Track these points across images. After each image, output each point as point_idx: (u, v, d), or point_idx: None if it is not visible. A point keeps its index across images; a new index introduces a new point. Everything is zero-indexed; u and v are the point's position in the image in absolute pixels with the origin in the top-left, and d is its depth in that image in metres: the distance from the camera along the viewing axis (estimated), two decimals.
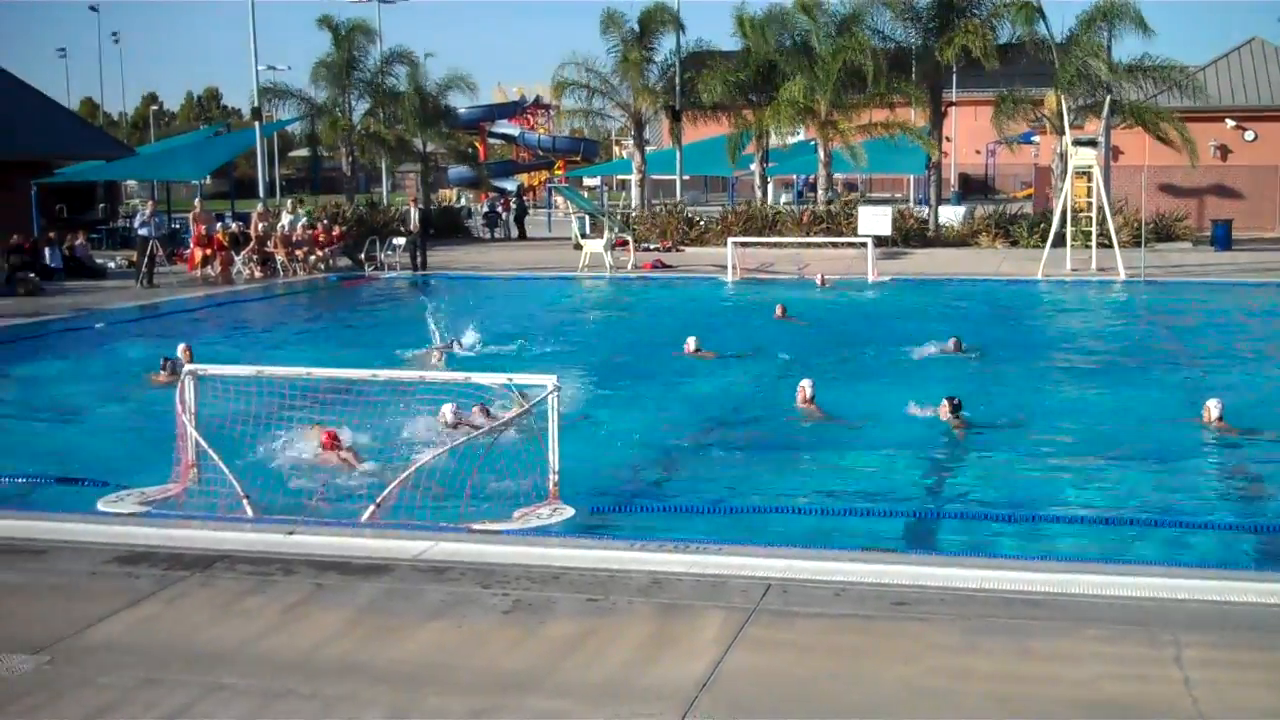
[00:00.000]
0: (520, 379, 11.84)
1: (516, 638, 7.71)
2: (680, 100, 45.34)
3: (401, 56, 48.19)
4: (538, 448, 11.03)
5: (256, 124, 41.87)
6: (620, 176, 62.68)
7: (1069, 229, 33.06)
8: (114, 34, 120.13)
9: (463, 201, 65.16)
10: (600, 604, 8.25)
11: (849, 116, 41.76)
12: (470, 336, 21.41)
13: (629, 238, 37.84)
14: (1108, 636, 7.53)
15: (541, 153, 79.30)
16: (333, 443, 13.00)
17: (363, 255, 36.32)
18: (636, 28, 45.27)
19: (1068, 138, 33.77)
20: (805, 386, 16.00)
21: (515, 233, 49.60)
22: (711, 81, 42.90)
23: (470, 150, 63.94)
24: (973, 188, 75.62)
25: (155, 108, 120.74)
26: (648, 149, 48.56)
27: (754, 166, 46.73)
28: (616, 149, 77.38)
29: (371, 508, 10.66)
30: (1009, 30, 40.39)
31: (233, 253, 33.51)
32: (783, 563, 9.00)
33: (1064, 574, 8.70)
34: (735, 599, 8.26)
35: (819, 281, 30.51)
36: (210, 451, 11.26)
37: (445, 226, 48.06)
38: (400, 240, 36.69)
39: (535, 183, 78.82)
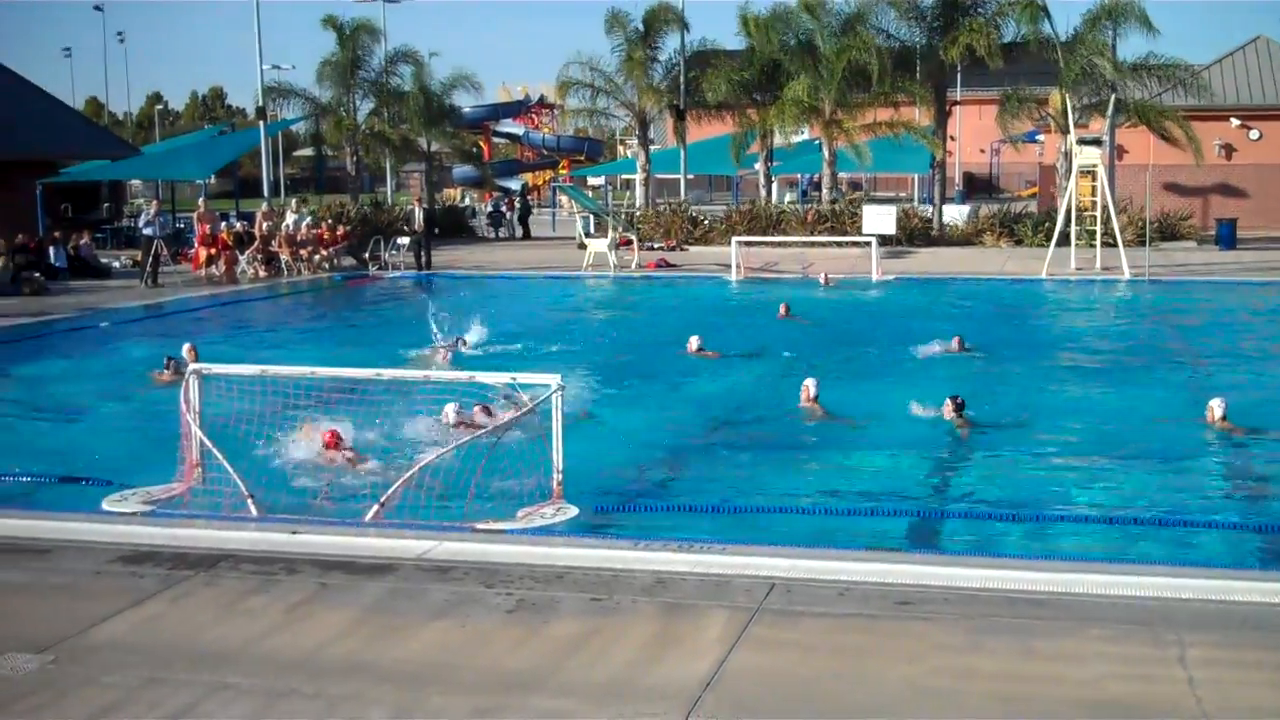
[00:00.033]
0: (524, 378, 11.84)
1: (520, 637, 7.72)
2: (685, 99, 45.33)
3: (406, 56, 48.18)
4: (542, 447, 11.03)
5: (261, 123, 41.90)
6: (624, 176, 62.66)
7: (1073, 228, 33.00)
8: (119, 33, 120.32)
9: (467, 201, 65.18)
10: (604, 603, 8.25)
11: (853, 115, 41.77)
12: (475, 336, 21.42)
13: (633, 237, 37.84)
14: (1111, 636, 7.53)
15: (546, 152, 79.27)
16: (334, 442, 13.00)
17: (367, 255, 36.35)
18: (641, 27, 45.25)
19: (1072, 136, 33.71)
20: (809, 385, 16.00)
21: (519, 232, 49.62)
22: (716, 80, 42.89)
23: (475, 150, 63.96)
24: (977, 187, 75.63)
25: (160, 107, 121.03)
26: (652, 148, 48.50)
27: (758, 166, 46.75)
28: (621, 148, 77.49)
29: (375, 507, 10.67)
30: (1013, 29, 40.38)
31: (237, 252, 33.52)
32: (786, 562, 9.00)
33: (1068, 573, 8.69)
34: (739, 598, 8.26)
35: (822, 280, 30.52)
36: (215, 451, 11.27)
37: (449, 226, 48.07)
38: (404, 240, 36.70)
39: (540, 182, 78.78)
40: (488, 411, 13.99)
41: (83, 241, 35.51)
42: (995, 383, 18.27)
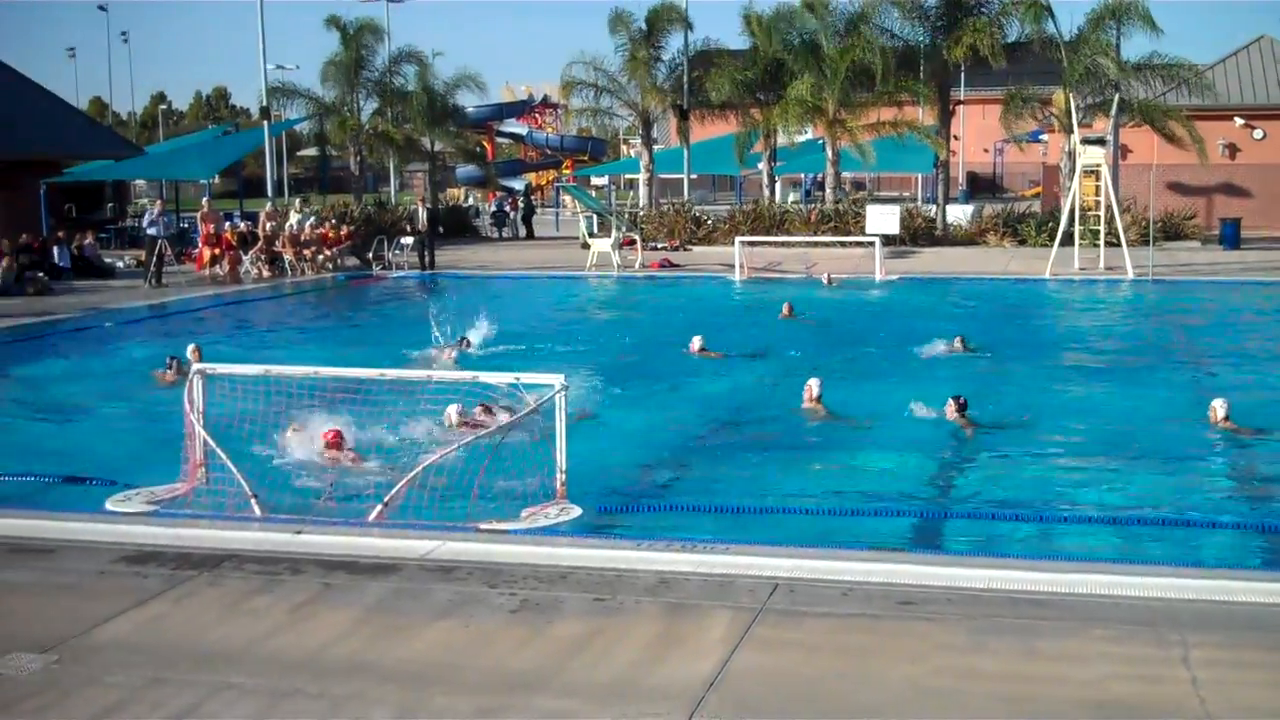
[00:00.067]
0: (527, 378, 11.85)
1: (524, 637, 7.72)
2: (688, 99, 45.32)
3: (410, 56, 48.18)
4: (545, 447, 11.04)
5: (265, 123, 41.96)
6: (628, 175, 62.63)
7: (1077, 228, 32.99)
8: (123, 33, 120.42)
9: (470, 201, 65.17)
10: (607, 604, 8.26)
11: (857, 115, 41.75)
12: (478, 336, 21.42)
13: (636, 237, 37.82)
14: (1115, 637, 7.53)
15: (549, 152, 79.22)
16: (336, 442, 13.00)
17: (371, 255, 36.38)
18: (644, 26, 45.25)
19: (1076, 136, 33.70)
20: (812, 385, 15.99)
21: (523, 232, 49.63)
22: (719, 80, 42.89)
23: (478, 149, 63.97)
24: (981, 186, 75.53)
25: (164, 107, 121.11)
26: (655, 148, 48.52)
27: (762, 165, 46.73)
28: (624, 148, 77.44)
29: (379, 507, 10.68)
30: (1017, 28, 40.36)
31: (241, 252, 33.56)
32: (790, 562, 9.01)
33: (1071, 574, 8.69)
34: (742, 598, 8.26)
35: (825, 280, 30.52)
36: (218, 451, 11.28)
37: (453, 226, 48.08)
38: (408, 239, 36.72)
39: (543, 182, 78.78)
40: (488, 410, 14.00)
41: (87, 241, 35.55)
42: (998, 383, 18.26)
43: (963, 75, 49.23)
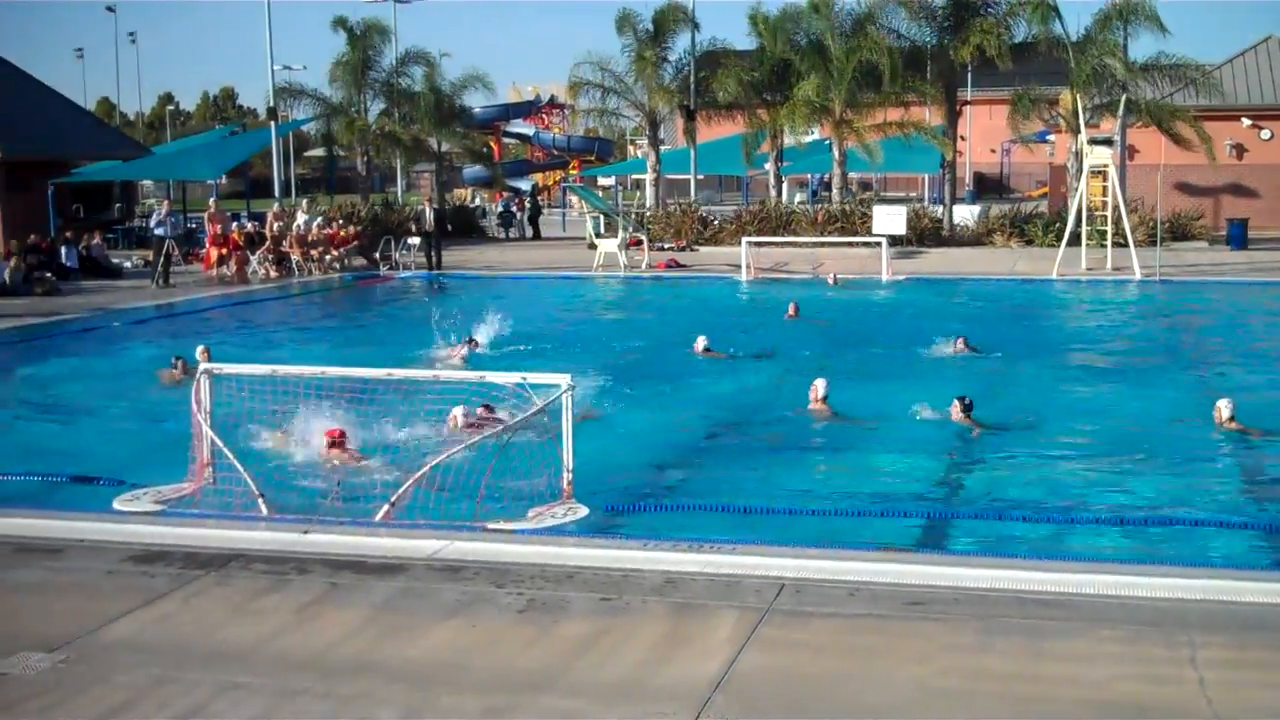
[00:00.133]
0: (534, 378, 11.84)
1: (530, 637, 7.73)
2: (695, 99, 45.31)
3: (417, 57, 48.26)
4: (552, 447, 11.04)
5: (272, 124, 41.97)
6: (635, 176, 62.64)
7: (1084, 228, 32.96)
8: (131, 34, 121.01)
9: (477, 201, 65.21)
10: (614, 603, 8.26)
11: (863, 115, 41.73)
12: (485, 336, 21.43)
13: (643, 237, 37.84)
14: (1122, 637, 7.52)
15: (556, 152, 79.30)
16: (337, 442, 12.99)
17: (378, 255, 36.40)
18: (651, 27, 45.23)
19: (1083, 136, 33.69)
20: (818, 386, 15.97)
21: (529, 232, 49.61)
22: (726, 80, 42.87)
23: (485, 150, 63.96)
24: (988, 187, 75.45)
25: (171, 107, 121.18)
26: (662, 148, 48.52)
27: (768, 166, 46.71)
28: (631, 148, 77.33)
29: (386, 507, 10.68)
30: (1024, 29, 40.34)
31: (248, 252, 33.60)
32: (796, 562, 9.00)
33: (1078, 574, 8.68)
34: (749, 598, 8.26)
35: (831, 280, 30.50)
36: (225, 450, 11.30)
37: (460, 226, 48.08)
38: (415, 240, 36.74)
39: (550, 182, 78.85)
40: (490, 410, 13.98)
41: (94, 242, 35.62)
42: (1004, 383, 18.25)
43: (969, 76, 49.22)
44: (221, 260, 33.19)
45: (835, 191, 43.51)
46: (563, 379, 10.96)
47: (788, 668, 7.24)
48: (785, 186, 51.13)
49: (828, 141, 45.58)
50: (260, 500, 10.86)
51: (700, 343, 20.54)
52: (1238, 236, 38.43)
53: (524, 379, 11.92)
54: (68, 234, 35.49)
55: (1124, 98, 37.08)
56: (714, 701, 6.75)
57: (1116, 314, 27.41)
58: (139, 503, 11.02)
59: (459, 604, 8.28)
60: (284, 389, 12.39)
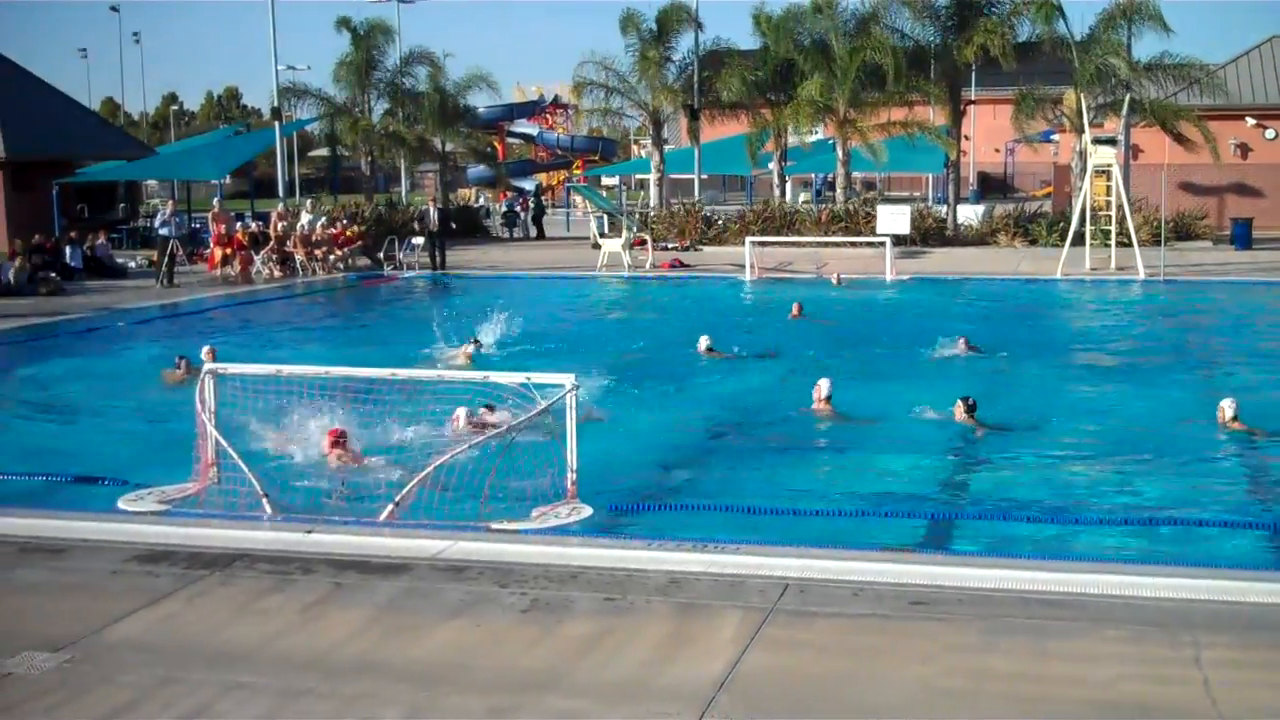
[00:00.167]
0: (538, 378, 11.84)
1: (534, 637, 7.73)
2: (698, 99, 45.30)
3: (421, 57, 48.23)
4: (556, 447, 11.04)
5: (276, 124, 41.98)
6: (638, 176, 62.68)
7: (1088, 228, 32.92)
8: (135, 34, 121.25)
9: (481, 201, 65.23)
10: (618, 603, 8.26)
11: (867, 115, 41.73)
12: (490, 336, 21.43)
13: (647, 237, 37.84)
14: (1126, 637, 7.52)
15: (560, 152, 79.32)
16: (338, 442, 12.99)
17: (382, 255, 36.41)
18: (655, 27, 45.21)
19: (1087, 136, 33.64)
20: (822, 386, 15.96)
21: (533, 232, 49.63)
22: (730, 80, 42.87)
23: (489, 150, 64.00)
24: (991, 186, 75.36)
25: (175, 107, 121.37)
26: (666, 148, 48.49)
27: (772, 165, 46.70)
28: (635, 148, 77.38)
29: (390, 507, 10.69)
30: (1028, 28, 40.30)
31: (252, 252, 33.60)
32: (800, 562, 9.01)
33: (1082, 574, 8.68)
34: (753, 599, 8.26)
35: (834, 280, 30.49)
36: (230, 450, 11.30)
37: (464, 226, 48.10)
38: (419, 240, 36.75)
39: (554, 182, 78.85)
40: (492, 411, 13.98)
41: (99, 241, 35.63)
42: (1008, 383, 18.24)
43: (973, 75, 49.13)
44: (226, 260, 33.21)
45: (839, 191, 43.50)
46: (567, 379, 10.96)
47: (792, 668, 7.24)
48: (789, 186, 51.11)
49: (831, 141, 45.56)
50: (264, 500, 10.87)
51: (703, 342, 20.54)
52: (1242, 236, 38.41)
53: (528, 379, 11.91)
54: (72, 234, 35.53)
55: (1128, 97, 37.03)
56: (718, 701, 6.75)
57: (1120, 314, 27.39)
58: (143, 503, 11.03)
59: (463, 604, 8.29)
60: (288, 389, 12.40)
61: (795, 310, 25.02)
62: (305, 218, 36.24)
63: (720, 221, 43.46)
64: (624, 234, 36.14)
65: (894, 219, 38.38)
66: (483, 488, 10.65)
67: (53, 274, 31.01)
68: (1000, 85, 55.79)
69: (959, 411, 15.10)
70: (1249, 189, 45.38)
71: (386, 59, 47.19)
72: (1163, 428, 15.24)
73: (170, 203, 38.04)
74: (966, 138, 50.40)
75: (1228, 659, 7.22)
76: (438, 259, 35.67)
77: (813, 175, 62.43)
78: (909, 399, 16.18)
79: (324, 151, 65.11)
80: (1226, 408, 14.80)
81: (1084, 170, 33.89)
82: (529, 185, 68.36)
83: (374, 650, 7.57)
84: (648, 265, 35.44)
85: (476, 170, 66.31)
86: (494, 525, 10.14)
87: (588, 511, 10.68)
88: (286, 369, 12.43)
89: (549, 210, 57.64)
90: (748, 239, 34.35)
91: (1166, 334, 23.93)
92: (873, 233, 37.06)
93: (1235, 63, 46.62)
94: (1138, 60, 39.53)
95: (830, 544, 9.82)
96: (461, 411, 13.86)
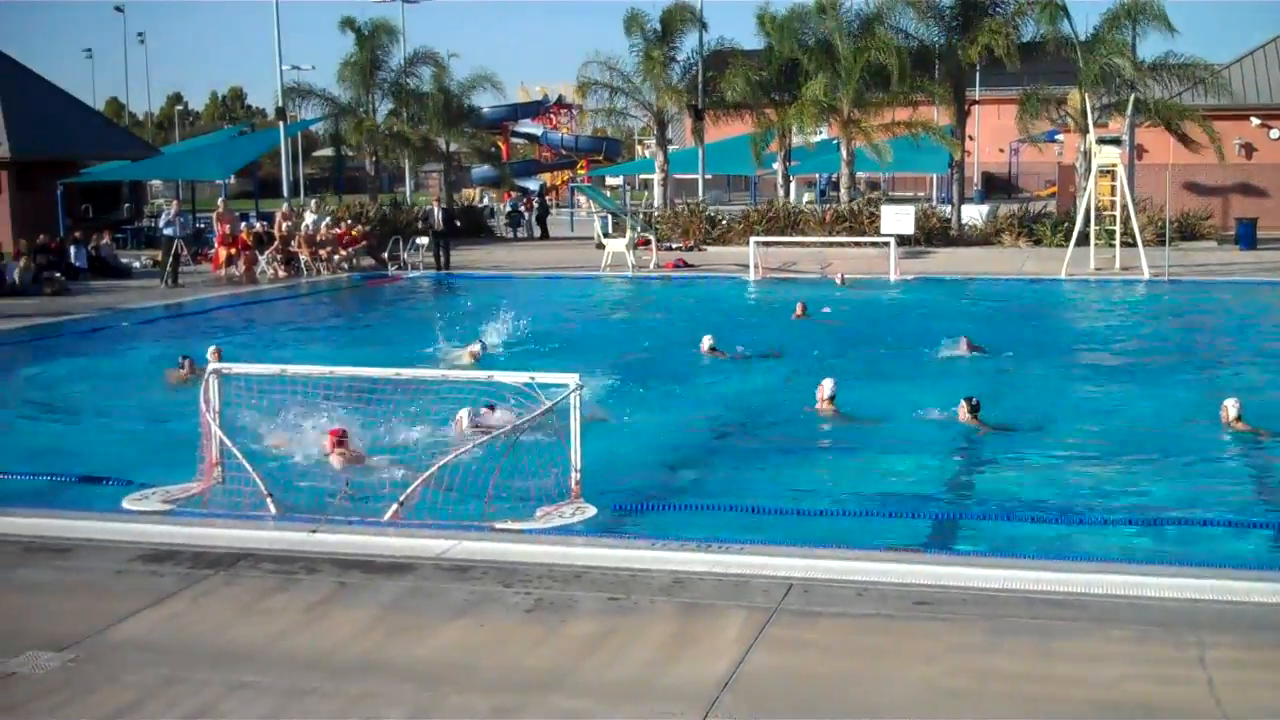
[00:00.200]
0: (542, 378, 11.84)
1: (538, 636, 7.73)
2: (703, 99, 45.28)
3: (426, 57, 48.23)
4: (560, 447, 11.04)
5: (281, 124, 42.06)
6: (643, 176, 62.60)
7: (1093, 228, 32.91)
8: (139, 34, 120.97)
9: (485, 201, 65.23)
10: (622, 603, 8.26)
11: (871, 115, 41.72)
12: (494, 335, 21.44)
13: (651, 237, 37.83)
14: (1131, 637, 7.51)
15: (564, 152, 79.27)
16: (339, 442, 12.98)
17: (386, 255, 36.43)
18: (659, 27, 45.21)
19: (1091, 136, 33.60)
20: (826, 386, 15.96)
21: (538, 232, 49.66)
22: (734, 80, 42.89)
23: (493, 150, 63.99)
24: (996, 186, 75.36)
25: (180, 107, 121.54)
26: (670, 148, 48.47)
27: (776, 165, 46.68)
28: (639, 148, 77.39)
29: (394, 506, 10.69)
30: (1032, 29, 40.29)
31: (257, 252, 33.63)
32: (804, 562, 9.00)
33: (1086, 574, 8.67)
34: (757, 598, 8.26)
35: (838, 280, 30.48)
36: (234, 450, 11.31)
37: (468, 226, 48.09)
38: (423, 240, 36.77)
39: (558, 182, 78.82)
40: (492, 410, 13.97)
41: (103, 241, 35.70)
42: (1012, 383, 18.23)
43: (978, 75, 49.09)
44: (230, 260, 33.25)
45: (843, 191, 43.48)
46: (571, 379, 10.97)
47: (796, 668, 7.24)
48: (793, 186, 51.06)
49: (836, 141, 45.52)
50: (269, 500, 10.88)
51: (706, 342, 20.54)
52: (1246, 236, 38.37)
53: (532, 379, 11.90)
54: (77, 234, 35.59)
55: (1132, 97, 37.01)
56: (722, 701, 6.75)
57: (1124, 314, 27.37)
58: (147, 502, 11.04)
59: (467, 603, 8.29)
60: (293, 389, 12.40)
61: (799, 310, 25.01)
62: (310, 218, 36.26)
63: (724, 221, 43.42)
64: (628, 234, 36.15)
65: (898, 219, 38.33)
66: (487, 488, 10.65)
67: (57, 274, 31.06)
68: (1005, 85, 55.77)
69: (963, 412, 15.10)
70: (1254, 189, 45.34)
71: (391, 59, 47.19)
72: (1167, 428, 15.23)
73: (175, 203, 38.10)
74: (971, 138, 50.24)
75: (1232, 659, 7.22)
76: (442, 259, 35.69)
77: (817, 175, 62.39)
78: (913, 399, 16.18)
79: (328, 151, 65.05)
80: (1230, 408, 14.79)
81: (1088, 170, 33.85)
82: (533, 185, 68.35)
83: (378, 650, 7.57)
84: (652, 265, 35.44)
85: (481, 170, 66.27)
86: (498, 525, 10.14)
87: (592, 511, 10.68)
88: (291, 369, 12.43)
89: (553, 210, 57.63)
90: (752, 239, 34.36)
91: (1171, 334, 23.91)
92: (877, 233, 37.02)
93: (1240, 62, 46.56)
94: (1142, 60, 39.49)
95: (834, 544, 9.81)
96: (464, 413, 13.86)
